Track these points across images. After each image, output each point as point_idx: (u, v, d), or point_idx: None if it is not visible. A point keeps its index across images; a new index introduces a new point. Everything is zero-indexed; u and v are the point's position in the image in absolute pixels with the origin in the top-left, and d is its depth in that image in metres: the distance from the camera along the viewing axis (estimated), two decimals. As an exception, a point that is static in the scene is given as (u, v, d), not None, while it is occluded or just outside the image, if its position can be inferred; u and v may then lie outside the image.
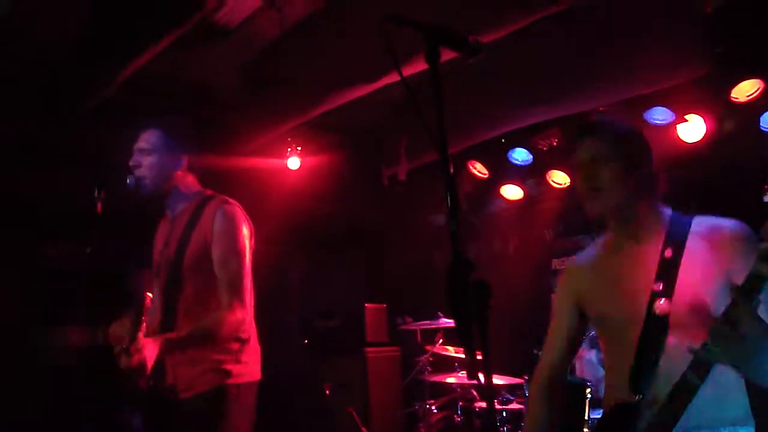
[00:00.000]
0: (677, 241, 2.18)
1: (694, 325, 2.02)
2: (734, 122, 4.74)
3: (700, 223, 2.21)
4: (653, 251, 2.20)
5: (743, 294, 1.81)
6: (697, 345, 1.88)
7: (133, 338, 2.67)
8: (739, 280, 1.97)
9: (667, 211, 2.27)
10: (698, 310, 2.06)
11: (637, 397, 2.07)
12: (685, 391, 1.91)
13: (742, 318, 1.79)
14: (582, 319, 2.39)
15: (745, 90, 4.57)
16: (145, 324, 2.72)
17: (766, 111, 4.59)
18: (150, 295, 2.82)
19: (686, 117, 4.82)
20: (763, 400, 2.16)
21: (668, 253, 2.16)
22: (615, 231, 2.33)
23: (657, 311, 2.11)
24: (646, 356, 2.10)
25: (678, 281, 2.11)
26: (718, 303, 2.02)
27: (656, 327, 2.10)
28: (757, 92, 4.54)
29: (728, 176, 4.72)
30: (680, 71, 4.49)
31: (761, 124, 4.62)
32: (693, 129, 4.82)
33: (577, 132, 2.35)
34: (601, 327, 2.35)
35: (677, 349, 2.03)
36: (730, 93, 4.61)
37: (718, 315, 1.86)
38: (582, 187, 2.27)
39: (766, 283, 1.80)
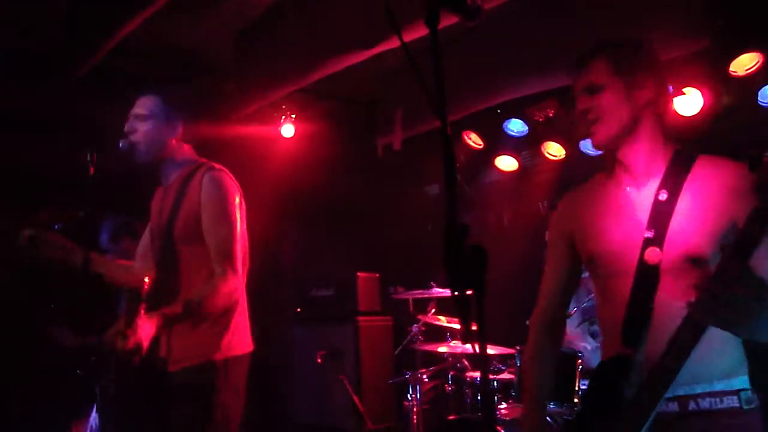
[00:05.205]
0: (674, 182, 2.00)
1: (687, 278, 1.87)
2: (732, 96, 4.70)
3: (705, 164, 2.03)
4: (649, 193, 2.03)
5: (736, 253, 1.67)
6: (690, 303, 1.74)
7: (131, 322, 2.62)
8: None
9: (672, 148, 2.09)
10: (691, 261, 1.92)
11: (629, 352, 1.95)
12: (677, 352, 1.79)
13: (736, 279, 1.65)
14: (576, 259, 2.25)
15: (744, 63, 4.52)
16: (144, 306, 2.67)
17: (764, 85, 4.55)
18: (147, 279, 2.73)
19: (684, 90, 4.78)
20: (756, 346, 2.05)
21: (663, 195, 2.00)
22: (614, 167, 2.14)
23: (647, 261, 1.95)
24: (637, 309, 1.96)
25: (670, 228, 1.95)
26: (714, 254, 1.89)
27: (648, 278, 1.95)
28: (756, 66, 4.49)
29: (726, 150, 4.68)
30: (679, 44, 4.44)
31: (760, 98, 4.59)
32: (691, 102, 4.79)
33: (575, 64, 2.15)
34: (593, 273, 2.18)
35: (669, 303, 1.91)
36: (728, 66, 4.55)
37: (712, 270, 1.71)
38: (580, 121, 2.10)
39: (759, 244, 1.67)
